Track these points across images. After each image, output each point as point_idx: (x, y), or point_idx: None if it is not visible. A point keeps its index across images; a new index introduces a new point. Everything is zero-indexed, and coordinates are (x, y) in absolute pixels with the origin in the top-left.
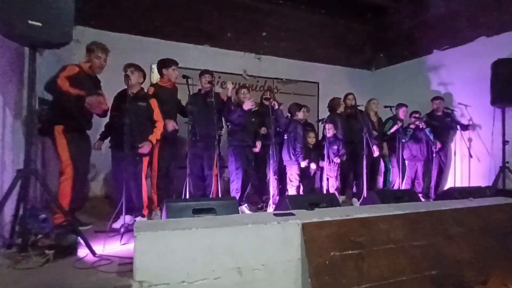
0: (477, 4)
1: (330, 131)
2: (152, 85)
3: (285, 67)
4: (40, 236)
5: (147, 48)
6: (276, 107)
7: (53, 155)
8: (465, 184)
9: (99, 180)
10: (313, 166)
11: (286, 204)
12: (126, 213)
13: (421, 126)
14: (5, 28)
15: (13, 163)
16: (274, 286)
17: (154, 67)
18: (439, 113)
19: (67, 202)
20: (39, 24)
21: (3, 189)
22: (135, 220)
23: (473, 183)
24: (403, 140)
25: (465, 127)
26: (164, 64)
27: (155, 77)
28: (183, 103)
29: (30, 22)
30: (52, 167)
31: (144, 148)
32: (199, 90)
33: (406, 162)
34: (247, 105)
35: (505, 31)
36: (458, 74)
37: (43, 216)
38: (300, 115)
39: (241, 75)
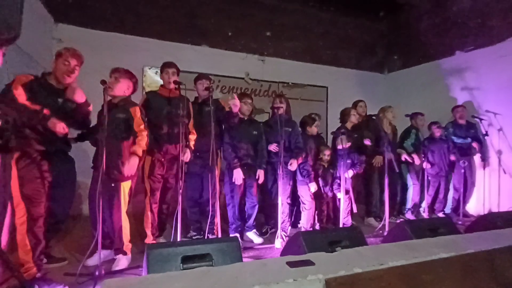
0: None
1: (344, 144)
2: (146, 92)
3: (291, 70)
4: None
5: (137, 48)
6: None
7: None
8: (494, 202)
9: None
10: (313, 188)
11: (300, 244)
12: (105, 248)
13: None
14: None
15: None
16: None
17: (147, 69)
18: (463, 122)
19: (27, 249)
20: None
21: None
22: (114, 258)
23: (504, 202)
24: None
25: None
26: (160, 68)
27: (148, 81)
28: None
29: None
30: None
31: (131, 167)
32: (196, 98)
33: (429, 178)
34: (235, 106)
35: None
36: (486, 78)
37: None
38: (313, 130)
39: (243, 78)
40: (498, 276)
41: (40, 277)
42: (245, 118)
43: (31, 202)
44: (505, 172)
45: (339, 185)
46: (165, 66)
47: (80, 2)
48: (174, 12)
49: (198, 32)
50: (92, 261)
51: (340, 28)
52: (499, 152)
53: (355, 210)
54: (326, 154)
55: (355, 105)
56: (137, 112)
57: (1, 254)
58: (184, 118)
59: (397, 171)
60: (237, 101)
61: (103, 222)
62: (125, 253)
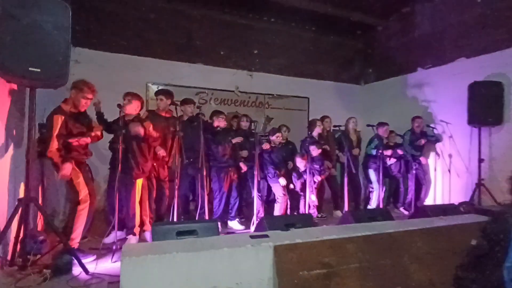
0: (460, 25)
1: (314, 152)
2: (147, 110)
3: (276, 83)
4: (39, 256)
5: (141, 67)
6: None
7: (51, 174)
8: (446, 198)
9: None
10: (282, 182)
11: (264, 225)
12: (119, 229)
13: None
14: (7, 74)
15: (14, 189)
16: None
17: (150, 85)
18: (418, 132)
19: (82, 229)
20: (38, 70)
21: (6, 214)
22: (126, 238)
23: (454, 198)
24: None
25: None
26: (155, 95)
27: (151, 95)
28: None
29: (30, 69)
30: (51, 185)
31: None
32: (180, 116)
33: (387, 179)
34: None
35: (483, 53)
36: (440, 93)
37: (41, 238)
38: (275, 140)
39: (233, 91)
40: (409, 251)
41: (77, 248)
42: (220, 130)
43: (93, 196)
44: (449, 172)
45: (310, 184)
46: (159, 94)
47: (94, 30)
48: (173, 35)
49: (194, 51)
50: (108, 239)
51: (320, 45)
52: (450, 156)
53: (317, 203)
54: (299, 162)
55: (322, 120)
56: (149, 125)
57: (54, 228)
58: (179, 132)
59: (354, 171)
60: (223, 122)
61: (119, 210)
62: (134, 234)
